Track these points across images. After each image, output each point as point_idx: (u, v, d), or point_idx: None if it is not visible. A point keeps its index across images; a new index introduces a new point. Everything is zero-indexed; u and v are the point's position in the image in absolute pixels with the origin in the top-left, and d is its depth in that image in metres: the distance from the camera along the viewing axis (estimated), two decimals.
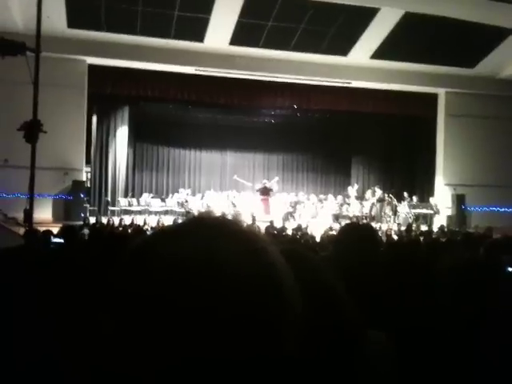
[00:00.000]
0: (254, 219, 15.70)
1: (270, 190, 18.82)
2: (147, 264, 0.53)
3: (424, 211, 18.82)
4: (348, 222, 14.53)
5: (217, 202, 18.52)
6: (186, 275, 0.51)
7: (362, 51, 17.40)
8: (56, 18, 14.34)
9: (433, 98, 19.89)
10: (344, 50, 17.47)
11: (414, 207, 18.70)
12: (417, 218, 18.47)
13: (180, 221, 0.68)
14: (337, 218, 18.19)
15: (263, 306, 0.52)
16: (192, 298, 0.49)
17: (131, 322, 0.50)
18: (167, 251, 0.53)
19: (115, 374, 0.50)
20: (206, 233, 0.55)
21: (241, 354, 0.49)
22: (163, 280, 0.51)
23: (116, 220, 15.35)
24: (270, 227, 14.07)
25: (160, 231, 0.60)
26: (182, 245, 0.53)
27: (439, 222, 17.63)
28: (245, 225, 0.62)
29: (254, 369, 0.49)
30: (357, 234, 2.15)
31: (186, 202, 18.24)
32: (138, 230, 11.43)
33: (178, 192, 19.32)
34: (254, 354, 0.50)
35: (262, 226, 13.02)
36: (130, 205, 17.82)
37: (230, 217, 0.64)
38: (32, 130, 8.40)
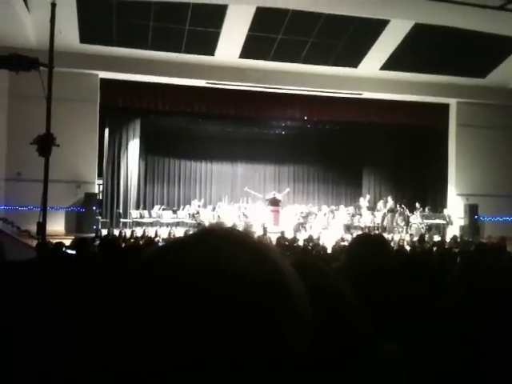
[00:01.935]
0: (265, 230, 15.69)
1: (279, 200, 18.80)
2: (157, 268, 0.55)
3: (436, 221, 18.69)
4: (360, 232, 14.45)
5: (228, 213, 18.54)
6: (194, 278, 0.52)
7: (373, 62, 17.41)
8: (69, 34, 14.54)
9: (444, 108, 19.82)
10: (354, 62, 17.50)
11: (427, 217, 18.58)
12: (429, 228, 18.35)
13: (191, 232, 0.70)
14: (348, 228, 18.11)
15: (269, 309, 0.53)
16: (199, 300, 0.51)
17: (141, 322, 0.52)
18: (177, 257, 0.55)
19: (124, 374, 0.51)
20: (216, 242, 0.57)
21: (246, 354, 0.50)
22: (172, 282, 0.53)
23: (128, 232, 15.43)
24: (282, 238, 14.06)
25: (171, 241, 0.63)
26: (191, 252, 0.56)
27: (452, 232, 17.49)
28: (256, 236, 0.63)
29: (257, 370, 0.51)
30: (368, 244, 2.14)
31: (198, 213, 18.28)
32: (150, 241, 11.45)
33: (189, 204, 19.39)
34: (258, 356, 0.51)
35: (274, 237, 13.01)
36: (141, 217, 17.90)
37: (241, 228, 0.66)
38: (45, 144, 8.51)
